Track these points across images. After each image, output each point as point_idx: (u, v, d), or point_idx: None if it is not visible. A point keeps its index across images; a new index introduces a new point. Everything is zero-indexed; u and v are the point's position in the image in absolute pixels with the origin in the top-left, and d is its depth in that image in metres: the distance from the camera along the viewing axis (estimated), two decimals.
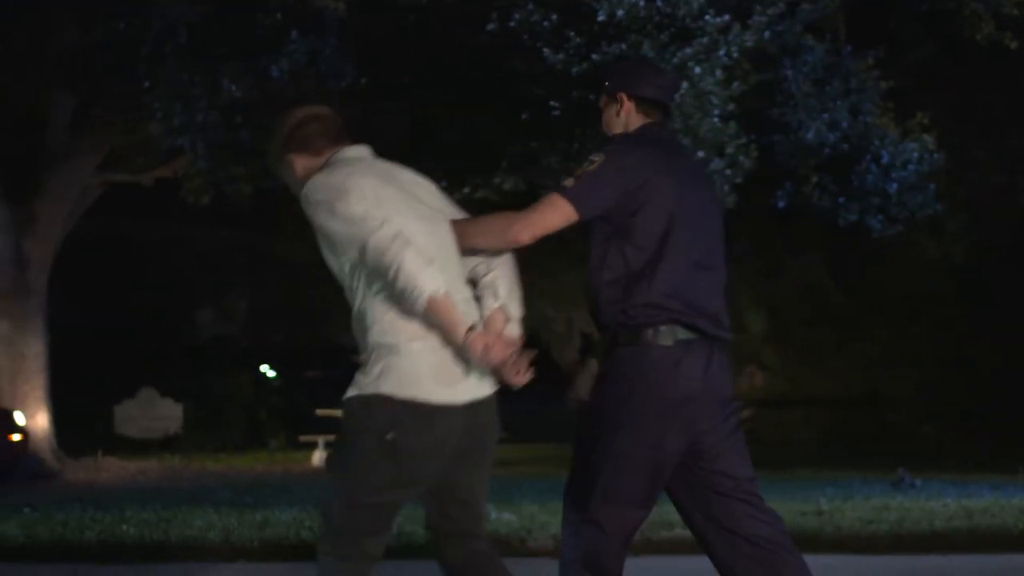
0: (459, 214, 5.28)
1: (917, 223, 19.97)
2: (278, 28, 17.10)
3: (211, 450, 28.97)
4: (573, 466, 5.45)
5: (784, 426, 33.14)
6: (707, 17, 16.58)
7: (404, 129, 19.54)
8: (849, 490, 14.81)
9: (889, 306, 29.87)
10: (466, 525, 5.22)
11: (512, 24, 16.74)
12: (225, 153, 17.96)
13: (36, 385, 22.76)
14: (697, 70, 16.34)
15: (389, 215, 4.87)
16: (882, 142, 18.56)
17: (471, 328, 4.86)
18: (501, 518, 11.32)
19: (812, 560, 9.59)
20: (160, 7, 17.00)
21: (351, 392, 4.97)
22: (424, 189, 5.27)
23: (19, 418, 21.30)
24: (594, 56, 16.46)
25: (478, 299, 5.13)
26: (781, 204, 19.05)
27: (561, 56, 16.59)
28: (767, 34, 17.45)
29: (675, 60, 16.31)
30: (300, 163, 5.31)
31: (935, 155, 18.73)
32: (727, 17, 16.73)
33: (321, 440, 25.01)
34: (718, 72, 16.58)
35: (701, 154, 16.63)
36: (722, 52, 16.59)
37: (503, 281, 5.16)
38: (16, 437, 20.88)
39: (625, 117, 5.58)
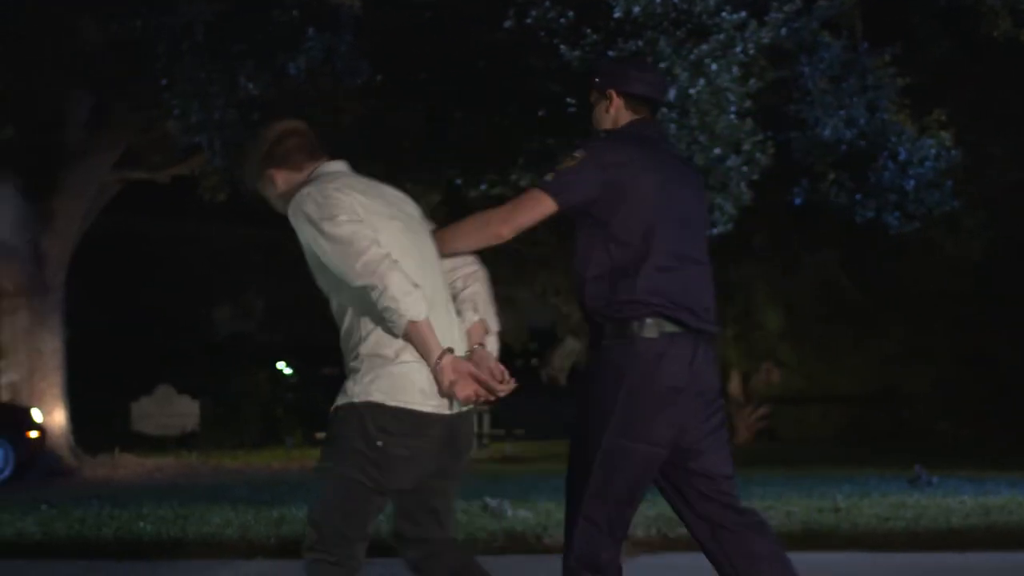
0: (430, 226, 5.36)
1: (934, 220, 19.93)
2: (294, 26, 17.13)
3: (228, 447, 29.01)
4: (569, 464, 5.49)
5: (801, 423, 33.15)
6: (724, 14, 16.57)
7: (420, 126, 19.57)
8: (866, 487, 14.79)
9: (906, 303, 29.84)
10: (431, 531, 5.30)
11: (529, 21, 16.75)
12: (242, 151, 17.98)
13: (53, 382, 22.80)
14: (714, 67, 16.34)
15: (377, 234, 4.94)
16: (899, 139, 18.54)
17: (447, 351, 4.92)
18: (517, 515, 11.33)
19: (829, 557, 9.62)
20: (177, 5, 17.04)
21: (340, 400, 5.03)
22: (405, 203, 5.33)
23: (37, 415, 21.32)
24: (611, 53, 16.44)
25: (459, 312, 5.21)
26: (798, 201, 19.04)
27: (578, 53, 16.59)
28: (784, 31, 17.44)
29: (692, 57, 16.31)
30: (281, 178, 5.32)
31: (952, 152, 18.71)
32: (744, 14, 16.72)
33: None
34: (735, 69, 16.58)
35: (718, 151, 16.64)
36: (739, 49, 16.58)
37: (481, 296, 5.25)
38: (34, 434, 20.91)
39: (614, 113, 5.64)
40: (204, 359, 34.04)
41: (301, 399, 33.31)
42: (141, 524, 11.22)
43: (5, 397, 22.86)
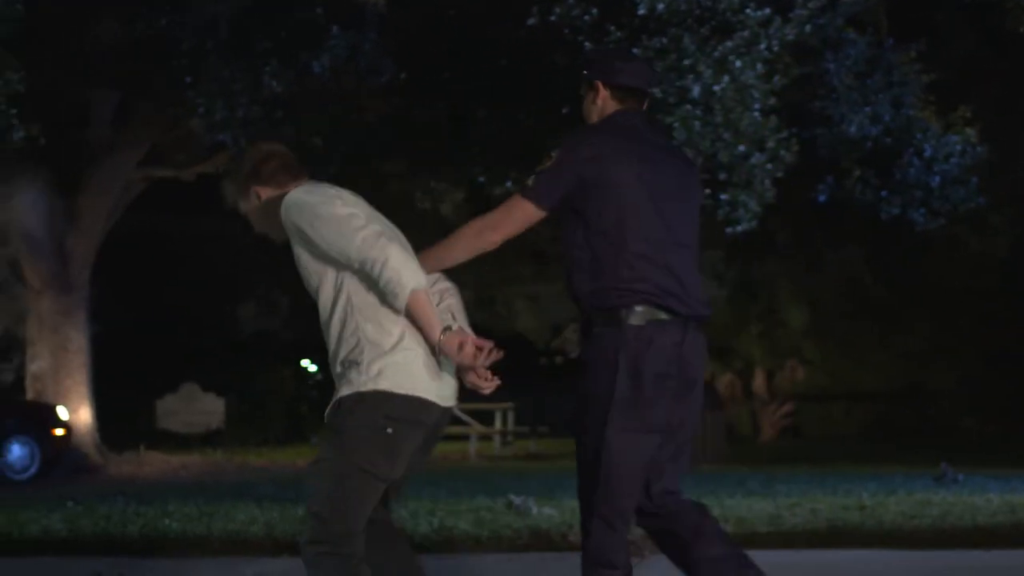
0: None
1: (959, 216, 19.87)
2: (319, 24, 17.16)
3: (253, 444, 29.08)
4: (577, 463, 5.57)
5: (825, 420, 33.12)
6: (748, 10, 16.53)
7: (444, 124, 19.58)
8: (891, 484, 14.75)
9: (931, 300, 29.76)
10: (379, 513, 5.38)
11: (552, 18, 16.74)
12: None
13: (79, 380, 22.87)
14: (738, 64, 16.31)
15: (370, 219, 5.17)
16: (925, 135, 18.48)
17: (447, 328, 5.10)
18: (542, 513, 11.33)
19: (854, 554, 9.60)
20: (202, 4, 17.08)
21: (346, 391, 5.15)
22: (395, 231, 5.42)
23: (62, 413, 21.39)
24: (635, 50, 16.42)
25: None
26: (822, 198, 18.99)
27: None
28: (808, 27, 17.39)
29: (716, 54, 16.28)
30: (266, 195, 5.49)
31: (978, 148, 18.65)
32: (768, 10, 16.67)
33: None
34: (759, 66, 16.54)
35: (742, 148, 16.61)
36: (763, 46, 16.54)
37: (457, 308, 5.42)
38: (59, 432, 20.98)
39: (601, 104, 5.74)
40: (229, 357, 34.10)
41: (326, 396, 33.33)
42: (166, 521, 11.24)
43: (31, 395, 22.95)
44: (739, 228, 17.21)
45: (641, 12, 16.50)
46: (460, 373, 5.25)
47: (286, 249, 5.41)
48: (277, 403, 31.83)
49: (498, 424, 27.56)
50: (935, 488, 14.35)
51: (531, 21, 16.87)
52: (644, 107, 5.76)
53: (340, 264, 5.17)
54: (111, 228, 23.77)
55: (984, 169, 19.31)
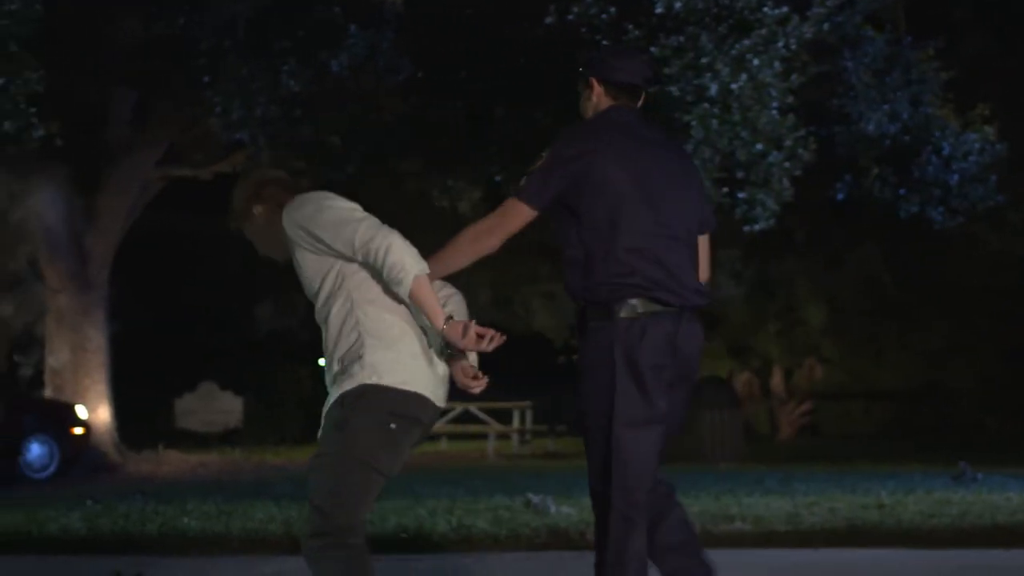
0: None
1: (978, 215, 19.85)
2: (337, 23, 17.17)
3: (271, 443, 29.11)
4: (588, 460, 5.63)
5: (843, 419, 33.05)
6: (765, 9, 16.52)
7: (461, 123, 19.59)
8: (910, 483, 14.72)
9: (950, 298, 29.69)
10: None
11: (570, 17, 16.75)
12: (285, 147, 18.05)
13: (98, 379, 22.92)
14: (756, 62, 16.30)
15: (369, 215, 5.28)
16: (943, 133, 18.47)
17: (449, 317, 5.18)
18: (560, 512, 11.33)
19: (873, 554, 9.59)
20: (220, 3, 17.10)
21: (349, 385, 5.21)
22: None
23: (81, 412, 21.43)
24: (653, 49, 16.42)
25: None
26: (841, 196, 18.98)
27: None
28: (826, 25, 17.38)
29: (734, 52, 16.27)
30: (267, 215, 5.68)
31: (996, 146, 18.64)
32: (786, 8, 16.66)
33: None
34: (777, 64, 16.53)
35: (760, 147, 16.60)
36: (781, 44, 16.53)
37: (459, 315, 5.46)
38: (78, 430, 21.01)
39: (596, 101, 5.79)
40: (247, 356, 34.14)
41: None
42: (185, 520, 11.27)
43: (50, 394, 23.01)
44: (757, 226, 17.22)
45: (659, 10, 16.50)
46: (452, 372, 5.36)
47: None
48: (294, 402, 31.84)
49: (516, 423, 27.55)
50: (954, 487, 14.31)
51: (549, 20, 16.88)
52: (640, 103, 5.81)
53: (342, 260, 5.28)
54: (130, 227, 23.80)
55: (1003, 167, 19.30)
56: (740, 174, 16.94)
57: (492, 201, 21.05)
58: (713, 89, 16.23)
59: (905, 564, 9.18)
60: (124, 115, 22.76)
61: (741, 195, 17.02)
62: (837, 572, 8.94)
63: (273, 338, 35.26)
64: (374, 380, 5.17)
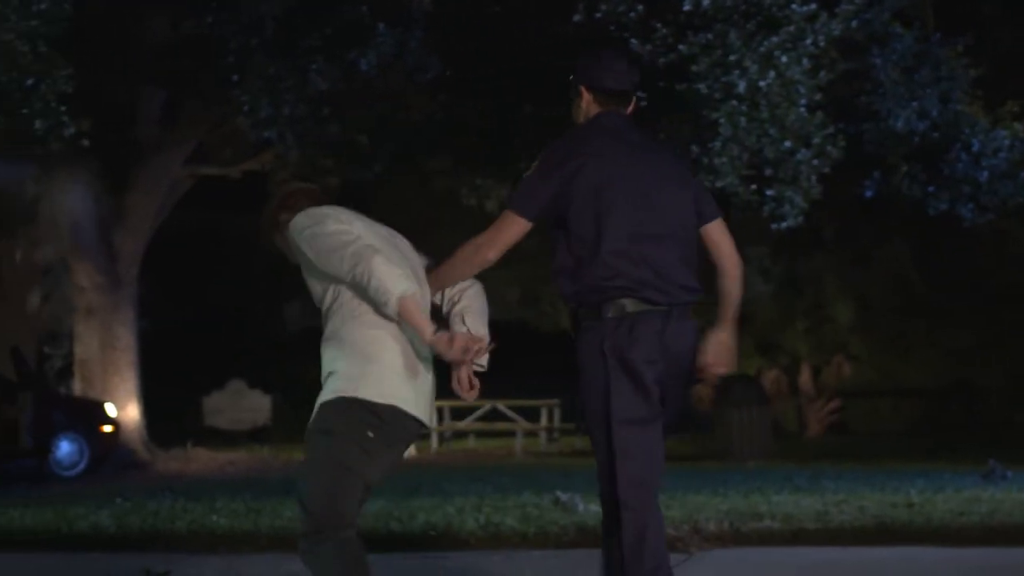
0: (425, 260, 5.83)
1: (1008, 211, 19.77)
2: (365, 22, 17.19)
3: (299, 441, 28.97)
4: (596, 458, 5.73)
5: (872, 416, 32.94)
6: (794, 6, 16.49)
7: (490, 121, 19.60)
8: (939, 481, 14.67)
9: (979, 295, 29.57)
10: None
11: (598, 15, 16.73)
12: (313, 145, 18.09)
13: (127, 377, 23.00)
14: (784, 59, 16.27)
15: (362, 234, 5.46)
16: (972, 130, 18.40)
17: (438, 332, 5.38)
18: (588, 509, 11.32)
19: (902, 551, 9.56)
20: (248, 2, 17.13)
21: (329, 396, 5.52)
22: (397, 238, 5.76)
23: (111, 410, 21.51)
24: (681, 46, 16.41)
25: (449, 325, 5.70)
26: (869, 193, 18.93)
27: (648, 47, 16.56)
28: (855, 22, 17.33)
29: (762, 49, 16.25)
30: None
31: None
32: (814, 6, 16.63)
33: None
34: (805, 61, 16.50)
35: (788, 144, 16.57)
36: (809, 41, 16.50)
37: (471, 309, 5.70)
38: (108, 428, 21.09)
39: (585, 108, 5.93)
40: (275, 354, 34.21)
41: None
42: (214, 517, 11.29)
43: (79, 391, 23.11)
44: (785, 224, 17.19)
45: (687, 8, 16.49)
46: (452, 370, 5.52)
47: None
48: None
49: (544, 420, 27.53)
50: (983, 485, 14.25)
51: (577, 18, 16.87)
52: (630, 108, 5.96)
53: (337, 279, 5.48)
54: (159, 226, 23.88)
55: None
56: (768, 171, 16.92)
57: None
58: (741, 86, 16.21)
59: (935, 562, 9.16)
60: (153, 114, 22.82)
61: (769, 192, 17.00)
62: (866, 570, 8.92)
63: (301, 337, 35.29)
64: (350, 393, 5.44)
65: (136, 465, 21.93)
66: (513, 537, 10.02)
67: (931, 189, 18.54)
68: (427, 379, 5.53)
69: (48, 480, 19.38)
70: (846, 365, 32.95)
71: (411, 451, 24.77)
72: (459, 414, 27.40)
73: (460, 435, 28.09)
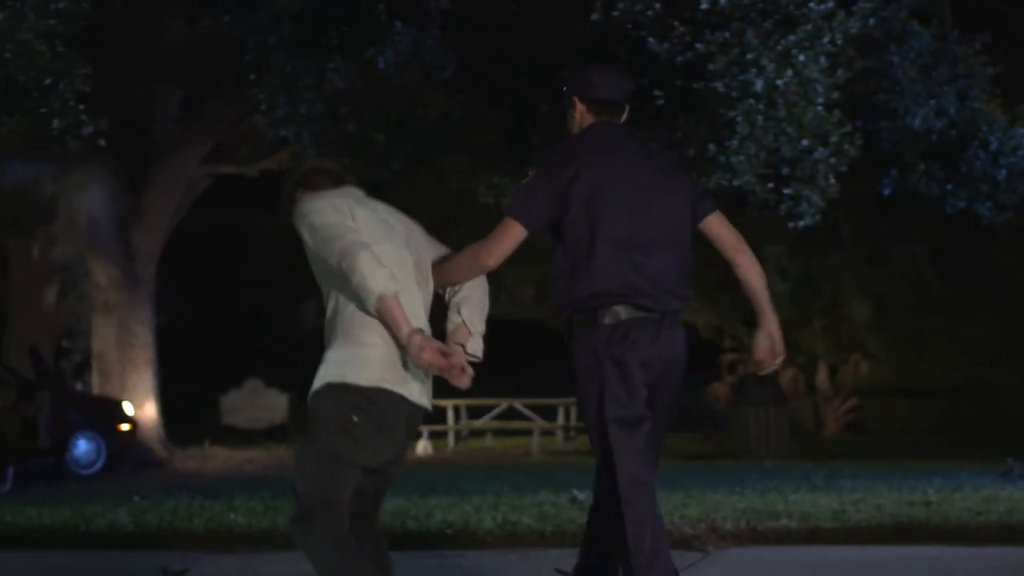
0: (440, 250, 5.91)
1: None
2: (382, 20, 17.20)
3: None
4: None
5: (889, 415, 32.85)
6: (811, 4, 16.47)
7: (507, 119, 19.60)
8: (957, 480, 14.64)
9: (996, 293, 29.50)
10: (368, 509, 5.79)
11: (615, 13, 16.73)
12: (330, 144, 18.10)
13: (144, 375, 23.04)
14: (801, 58, 16.26)
15: (356, 228, 5.51)
16: (990, 128, 18.37)
17: (417, 329, 5.41)
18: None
19: (920, 551, 9.54)
20: (265, 0, 17.15)
21: (318, 384, 5.61)
22: (403, 225, 5.84)
23: (128, 408, 21.56)
24: (698, 45, 16.40)
25: (447, 317, 5.82)
26: (887, 192, 18.91)
27: (665, 45, 16.55)
28: (872, 20, 17.32)
29: (779, 48, 16.23)
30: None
31: None
32: (831, 4, 16.61)
33: (425, 429, 25.13)
34: (822, 59, 16.49)
35: (805, 143, 16.55)
36: (826, 39, 16.48)
37: (468, 301, 5.80)
38: (125, 427, 21.14)
39: (579, 118, 6.06)
40: (292, 353, 34.21)
41: None
42: (231, 516, 11.31)
43: (97, 390, 23.15)
44: (802, 223, 17.17)
45: (704, 6, 16.48)
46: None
47: None
48: None
49: (561, 419, 27.52)
50: (1001, 484, 14.22)
51: (594, 16, 16.86)
52: (623, 117, 6.08)
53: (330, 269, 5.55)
54: (176, 224, 23.91)
55: None
56: (785, 170, 16.91)
57: None
58: (758, 85, 16.20)
59: (952, 561, 9.14)
60: (171, 113, 22.85)
61: (786, 191, 16.98)
62: (883, 569, 8.91)
63: (318, 335, 35.30)
64: (337, 378, 5.55)
65: (153, 463, 21.97)
66: (530, 536, 10.02)
67: (949, 187, 18.51)
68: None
69: (66, 478, 19.41)
70: (863, 364, 32.87)
71: (428, 449, 24.91)
72: (476, 413, 27.41)
73: (477, 434, 28.10)
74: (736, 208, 20.55)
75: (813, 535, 10.10)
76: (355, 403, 5.50)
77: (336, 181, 5.86)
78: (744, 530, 10.14)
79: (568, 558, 9.44)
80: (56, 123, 15.89)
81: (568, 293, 5.82)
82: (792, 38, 16.30)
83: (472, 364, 5.63)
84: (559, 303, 5.89)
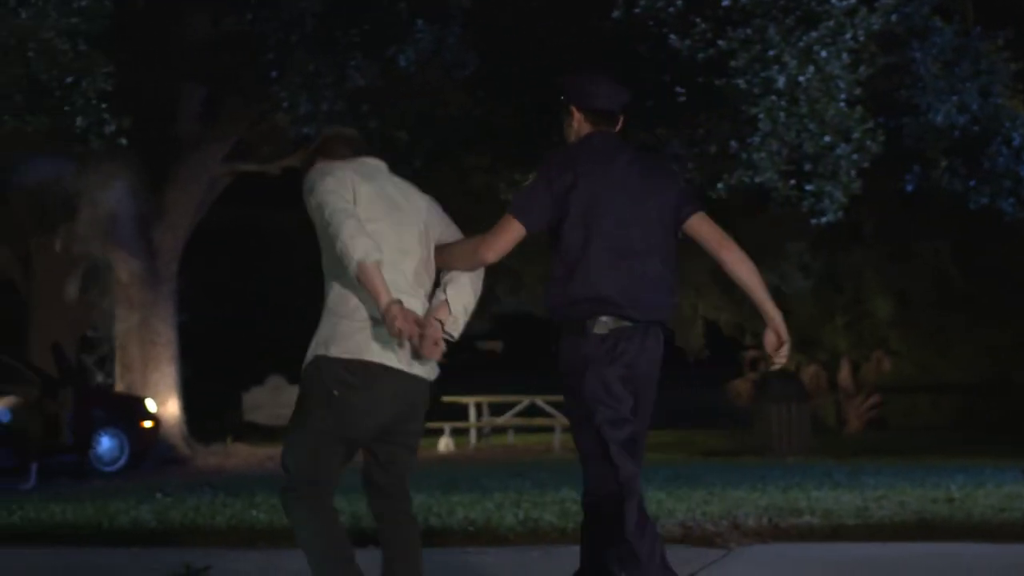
0: (451, 229, 6.07)
1: None
2: (403, 17, 17.21)
3: None
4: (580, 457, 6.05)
5: (912, 412, 32.81)
6: (833, 0, 16.43)
7: (528, 116, 19.59)
8: (980, 477, 14.59)
9: (1019, 290, 29.42)
10: (390, 492, 5.96)
11: (637, 11, 16.71)
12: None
13: (167, 373, 23.09)
14: (823, 54, 16.23)
15: (350, 199, 5.61)
16: (1013, 124, 18.33)
17: (394, 302, 5.45)
18: None
19: (942, 547, 9.52)
20: None
21: (307, 360, 5.74)
22: (415, 204, 5.95)
23: (151, 405, 21.62)
24: (720, 42, 16.38)
25: (433, 295, 5.89)
26: (909, 188, 18.87)
27: (687, 42, 16.53)
28: (894, 16, 17.28)
29: (801, 44, 16.21)
30: None
31: None
32: (854, 0, 16.57)
33: (447, 426, 25.16)
34: (845, 56, 16.45)
35: (827, 139, 16.52)
36: (849, 35, 16.45)
37: (455, 283, 5.87)
38: (148, 424, 21.20)
39: (576, 127, 6.19)
40: None
41: None
42: (254, 512, 11.32)
43: (120, 387, 23.21)
44: (824, 219, 17.15)
45: (726, 3, 16.46)
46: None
47: None
48: None
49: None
50: None
51: (616, 14, 16.85)
52: (618, 126, 6.20)
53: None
54: (198, 222, 23.95)
55: None
56: (808, 166, 16.89)
57: None
58: (781, 82, 16.17)
59: (975, 558, 9.12)
60: (193, 111, 22.89)
61: (809, 187, 16.96)
62: (906, 566, 8.89)
63: None
64: (321, 352, 5.66)
65: (176, 460, 22.02)
66: (552, 533, 10.02)
67: (971, 183, 18.47)
68: None
69: (89, 475, 19.47)
70: (885, 360, 32.82)
71: (450, 447, 24.92)
72: (498, 410, 27.42)
73: (499, 431, 28.11)
74: (758, 205, 20.56)
75: (836, 532, 10.09)
76: (336, 376, 5.60)
77: (356, 150, 5.98)
78: (766, 527, 10.13)
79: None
80: (79, 121, 15.93)
81: (557, 300, 5.97)
82: (814, 34, 16.28)
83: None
84: (550, 308, 6.02)
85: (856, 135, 16.72)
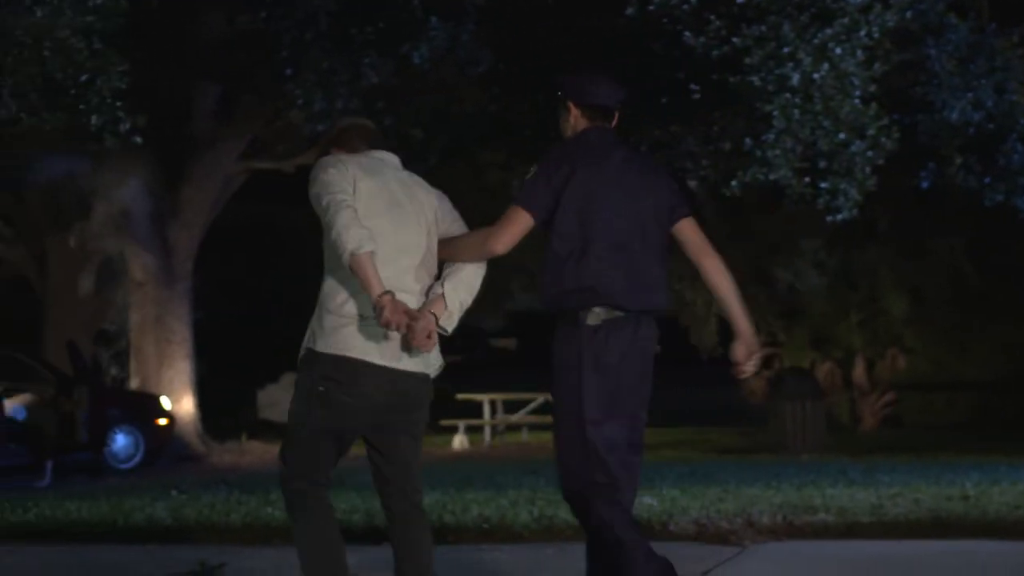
0: (457, 224, 6.10)
1: None
2: (417, 15, 17.22)
3: None
4: (559, 454, 6.10)
5: (927, 409, 32.73)
6: None
7: (542, 113, 19.60)
8: (995, 474, 14.56)
9: None
10: (398, 483, 5.98)
11: (651, 8, 16.71)
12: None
13: (181, 370, 23.12)
14: (838, 51, 16.21)
15: (349, 191, 5.64)
16: None
17: (385, 293, 5.47)
18: (642, 502, 11.32)
19: (957, 545, 9.51)
20: None
21: (300, 355, 5.79)
22: (419, 200, 5.95)
23: (166, 403, 21.66)
24: (734, 39, 16.36)
25: (431, 289, 5.88)
26: (925, 185, 18.85)
27: (701, 39, 16.52)
28: (909, 13, 17.26)
29: (816, 41, 16.19)
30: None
31: None
32: None
33: (462, 424, 25.16)
34: (859, 53, 16.43)
35: (842, 136, 16.50)
36: (863, 32, 16.43)
37: (452, 278, 5.89)
38: (163, 421, 21.24)
39: (573, 123, 6.25)
40: None
41: None
42: (269, 510, 11.34)
43: (135, 385, 23.26)
44: (839, 216, 17.14)
45: (740, 0, 16.43)
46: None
47: None
48: None
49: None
50: None
51: (630, 11, 16.84)
52: (614, 123, 6.29)
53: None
54: (213, 220, 23.98)
55: None
56: (822, 164, 16.87)
57: None
58: (795, 79, 16.16)
59: (990, 555, 9.11)
60: (208, 109, 22.91)
61: (824, 185, 16.94)
62: (921, 564, 8.88)
63: None
64: (310, 346, 5.73)
65: (191, 458, 22.05)
66: (566, 530, 10.02)
67: (986, 180, 18.44)
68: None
69: (104, 473, 19.50)
70: (900, 358, 32.75)
71: (464, 444, 24.93)
72: (512, 407, 27.42)
73: (513, 428, 28.11)
74: (773, 202, 20.54)
75: (850, 530, 10.08)
76: (321, 371, 5.65)
77: (371, 143, 6.01)
78: (781, 524, 10.13)
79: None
80: (94, 120, 15.97)
81: (551, 291, 6.02)
82: (829, 31, 16.26)
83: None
84: (545, 299, 6.07)
85: (871, 132, 16.70)
